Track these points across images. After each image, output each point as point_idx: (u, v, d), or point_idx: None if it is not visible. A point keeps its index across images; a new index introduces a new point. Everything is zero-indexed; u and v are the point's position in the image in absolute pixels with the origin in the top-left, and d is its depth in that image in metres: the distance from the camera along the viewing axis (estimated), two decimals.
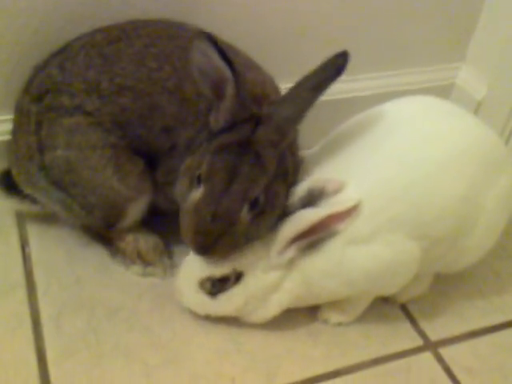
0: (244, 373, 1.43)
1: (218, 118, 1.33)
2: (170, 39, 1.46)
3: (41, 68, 1.49)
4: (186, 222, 1.32)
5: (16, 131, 1.52)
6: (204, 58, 1.26)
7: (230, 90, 1.27)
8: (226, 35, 1.44)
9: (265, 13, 1.74)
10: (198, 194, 1.30)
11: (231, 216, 1.28)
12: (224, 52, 1.24)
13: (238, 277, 1.38)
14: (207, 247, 1.30)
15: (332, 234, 1.34)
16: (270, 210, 1.33)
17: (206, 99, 1.38)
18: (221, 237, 1.29)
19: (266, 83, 1.47)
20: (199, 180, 1.30)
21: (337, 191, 1.34)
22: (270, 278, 1.38)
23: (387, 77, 2.02)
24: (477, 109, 2.03)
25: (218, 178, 1.27)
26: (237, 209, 1.28)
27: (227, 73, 1.25)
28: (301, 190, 1.37)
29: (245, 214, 1.29)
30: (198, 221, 1.29)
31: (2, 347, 1.40)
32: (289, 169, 1.38)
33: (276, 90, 1.50)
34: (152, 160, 1.48)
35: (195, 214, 1.29)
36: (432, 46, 2.04)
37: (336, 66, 1.31)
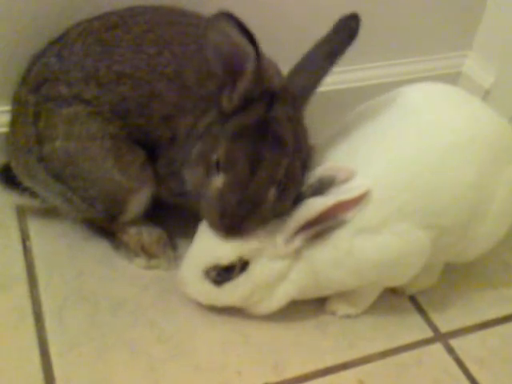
0: (250, 365, 1.41)
1: (233, 97, 1.30)
2: (169, 25, 1.44)
3: (38, 57, 1.47)
4: (211, 208, 1.30)
5: (14, 123, 1.50)
6: (222, 37, 1.22)
7: (250, 65, 1.24)
8: None
9: (271, 1, 1.72)
10: (219, 181, 1.28)
11: (258, 200, 1.28)
12: (245, 27, 1.20)
13: (243, 266, 1.36)
14: (235, 228, 1.29)
15: (340, 224, 1.32)
16: (292, 184, 1.32)
17: (206, 87, 1.37)
18: (248, 217, 1.28)
19: (270, 66, 1.44)
20: (218, 167, 1.28)
21: (347, 180, 1.33)
22: (276, 267, 1.36)
23: (394, 65, 2.01)
24: (484, 97, 2.01)
25: (241, 166, 1.26)
26: (264, 193, 1.28)
27: (250, 50, 1.21)
28: (311, 178, 1.35)
29: (271, 194, 1.29)
30: (224, 206, 1.28)
31: (4, 341, 1.38)
32: (301, 140, 1.36)
33: (279, 73, 1.46)
34: (153, 151, 1.46)
35: (220, 200, 1.28)
36: (439, 34, 2.03)
37: (348, 29, 1.29)
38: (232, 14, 1.20)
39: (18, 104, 1.47)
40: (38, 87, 1.43)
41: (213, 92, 1.36)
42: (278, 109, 1.29)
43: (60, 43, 1.45)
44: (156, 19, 1.44)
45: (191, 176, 1.37)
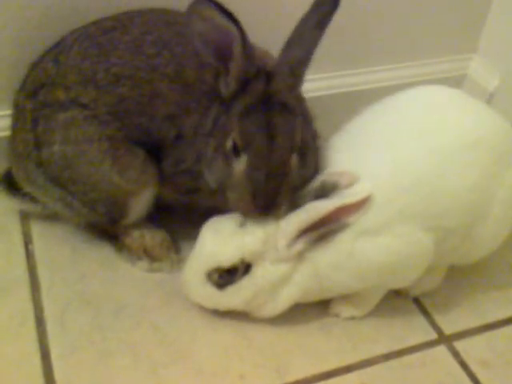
0: (253, 369, 1.41)
1: (229, 81, 1.32)
2: (166, 25, 1.45)
3: (35, 63, 1.48)
4: (241, 193, 1.31)
5: (14, 128, 1.50)
6: (205, 23, 1.24)
7: (237, 47, 1.26)
8: None
9: (274, 1, 1.73)
10: (241, 164, 1.30)
11: (284, 170, 1.29)
12: (226, 9, 1.22)
13: (246, 269, 1.35)
14: (270, 204, 1.30)
15: (343, 227, 1.32)
16: (308, 148, 1.35)
17: (208, 84, 1.38)
18: (279, 190, 1.29)
19: (263, 55, 1.45)
20: (236, 151, 1.30)
21: (350, 185, 1.32)
22: (279, 270, 1.36)
23: (399, 69, 2.01)
24: (489, 100, 2.02)
25: (259, 140, 1.28)
26: (287, 161, 1.30)
27: (233, 29, 1.23)
28: (314, 182, 1.35)
29: (294, 161, 1.31)
30: (254, 186, 1.29)
31: (5, 345, 1.38)
32: (305, 110, 1.39)
33: (272, 57, 1.47)
34: (156, 151, 1.46)
35: (248, 182, 1.29)
36: (444, 37, 2.04)
37: None
38: None
39: (17, 110, 1.48)
40: (36, 93, 1.44)
41: (212, 86, 1.38)
42: (276, 82, 1.32)
43: (57, 49, 1.46)
44: (153, 20, 1.45)
45: (213, 173, 1.38)
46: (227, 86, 1.33)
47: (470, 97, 1.50)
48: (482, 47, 2.08)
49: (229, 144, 1.31)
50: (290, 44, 1.34)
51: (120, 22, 1.44)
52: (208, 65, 1.34)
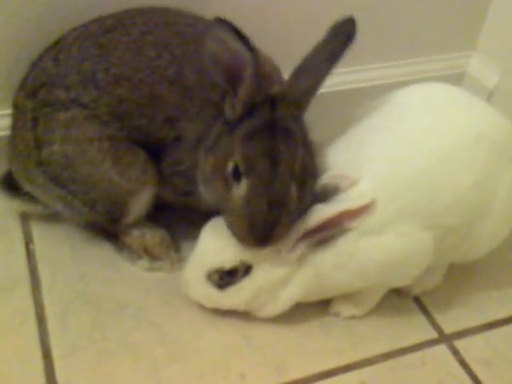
0: (254, 368, 1.41)
1: (235, 104, 1.31)
2: (167, 26, 1.44)
3: (35, 62, 1.47)
4: (238, 221, 1.28)
5: (14, 128, 1.50)
6: (219, 44, 1.23)
7: (248, 71, 1.24)
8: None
9: (273, 2, 1.73)
10: (242, 188, 1.27)
11: (285, 198, 1.27)
12: (241, 33, 1.21)
13: (247, 270, 1.36)
14: (268, 236, 1.27)
15: (344, 231, 1.32)
16: (308, 178, 1.32)
17: (209, 89, 1.37)
18: (278, 221, 1.26)
19: (266, 62, 1.44)
20: (237, 175, 1.28)
21: (350, 188, 1.32)
22: (279, 272, 1.36)
23: (398, 66, 2.01)
24: (488, 97, 2.01)
25: (262, 165, 1.25)
26: (288, 190, 1.27)
27: (246, 55, 1.22)
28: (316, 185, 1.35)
29: (293, 191, 1.28)
30: (254, 214, 1.26)
31: (6, 344, 1.38)
32: (306, 137, 1.37)
33: (275, 68, 1.48)
34: (155, 151, 1.46)
35: (249, 209, 1.26)
36: (443, 34, 2.03)
37: (346, 33, 1.31)
38: (227, 21, 1.20)
39: (17, 109, 1.48)
40: (35, 92, 1.43)
41: (216, 96, 1.37)
42: (282, 109, 1.30)
43: (56, 48, 1.45)
44: (154, 20, 1.44)
45: (209, 192, 1.37)
46: (233, 109, 1.31)
47: (470, 94, 1.50)
48: (481, 45, 2.08)
49: (230, 167, 1.28)
50: (298, 74, 1.33)
51: (120, 22, 1.44)
52: (215, 83, 1.33)
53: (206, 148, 1.37)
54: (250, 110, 1.29)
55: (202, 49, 1.25)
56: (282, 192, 1.26)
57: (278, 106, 1.30)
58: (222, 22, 1.20)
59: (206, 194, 1.39)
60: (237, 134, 1.29)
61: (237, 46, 1.21)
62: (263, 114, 1.29)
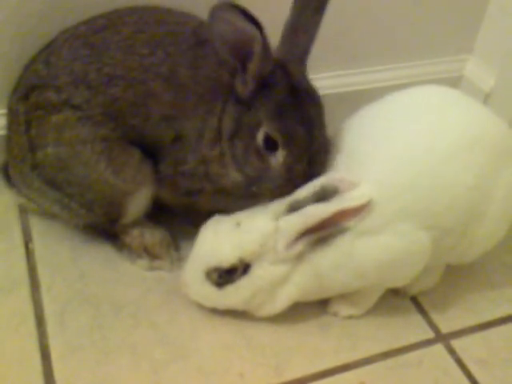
0: (253, 367, 1.41)
1: (247, 80, 1.32)
2: (158, 24, 1.44)
3: (27, 65, 1.48)
4: (283, 185, 1.35)
5: (9, 131, 1.50)
6: (227, 25, 1.24)
7: (257, 47, 1.26)
8: None
9: (274, 1, 1.72)
10: (280, 157, 1.33)
11: (323, 158, 1.36)
12: (249, 13, 1.22)
13: (245, 268, 1.36)
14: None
15: (341, 230, 1.33)
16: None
17: (203, 85, 1.39)
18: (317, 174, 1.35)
19: None
20: (269, 144, 1.32)
21: (349, 190, 1.33)
22: (277, 270, 1.36)
23: (395, 69, 2.01)
24: (485, 100, 2.02)
25: (298, 133, 1.31)
26: (326, 148, 1.36)
27: (254, 32, 1.23)
28: (314, 185, 1.35)
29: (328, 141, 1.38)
30: (297, 176, 1.34)
31: (5, 344, 1.38)
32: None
33: None
34: (153, 152, 1.46)
35: (291, 174, 1.33)
36: (440, 38, 2.04)
37: None
38: (233, 3, 1.22)
39: (11, 113, 1.48)
40: (27, 95, 1.43)
41: (211, 91, 1.38)
42: (294, 71, 1.34)
43: (48, 50, 1.45)
44: (144, 19, 1.44)
45: (246, 172, 1.39)
46: (245, 85, 1.33)
47: (468, 96, 1.50)
48: (478, 48, 2.08)
49: (259, 140, 1.32)
50: (292, 31, 1.36)
51: (111, 21, 1.43)
52: (205, 67, 1.37)
53: (228, 136, 1.38)
54: (263, 81, 1.32)
55: (209, 30, 1.27)
56: (319, 151, 1.34)
57: (288, 69, 1.34)
58: (229, 5, 1.21)
59: (241, 175, 1.40)
60: (261, 108, 1.32)
61: (244, 24, 1.23)
62: (281, 82, 1.32)
